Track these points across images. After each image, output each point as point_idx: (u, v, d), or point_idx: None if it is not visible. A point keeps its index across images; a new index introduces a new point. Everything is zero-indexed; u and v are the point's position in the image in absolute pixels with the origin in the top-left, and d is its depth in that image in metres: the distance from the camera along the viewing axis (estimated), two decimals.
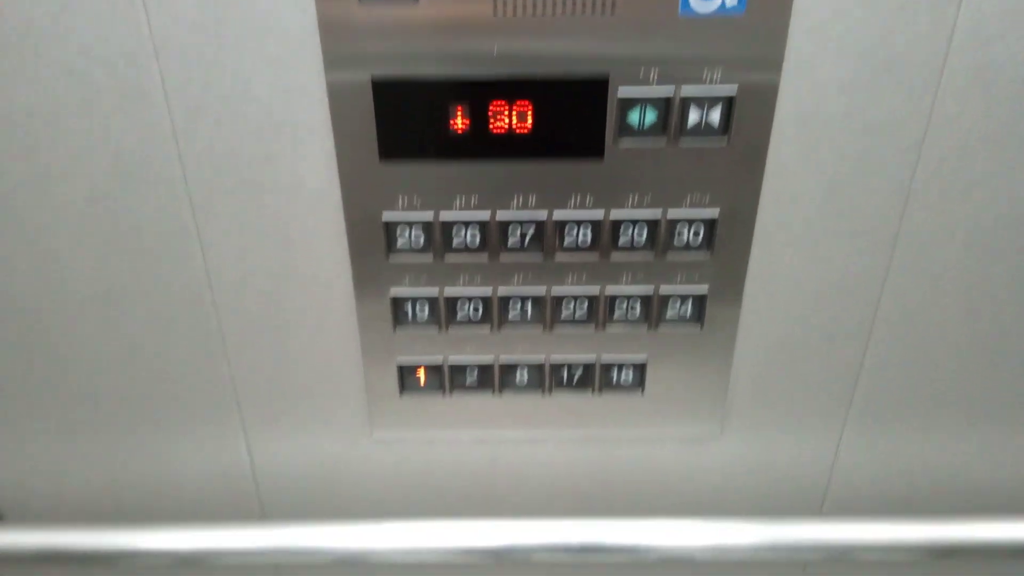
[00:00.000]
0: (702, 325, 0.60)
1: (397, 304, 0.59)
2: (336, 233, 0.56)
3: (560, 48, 0.48)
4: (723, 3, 0.46)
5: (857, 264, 0.57)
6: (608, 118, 0.50)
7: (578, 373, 0.63)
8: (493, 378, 0.63)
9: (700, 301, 0.59)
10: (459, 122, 0.51)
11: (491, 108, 0.50)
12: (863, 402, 0.65)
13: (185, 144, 0.52)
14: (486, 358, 0.62)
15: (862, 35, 0.48)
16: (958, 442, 0.68)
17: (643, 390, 0.64)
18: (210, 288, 0.58)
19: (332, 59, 0.48)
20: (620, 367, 0.63)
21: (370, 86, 0.49)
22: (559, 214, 0.54)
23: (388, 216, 0.54)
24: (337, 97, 0.50)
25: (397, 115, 0.50)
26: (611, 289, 0.58)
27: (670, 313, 0.60)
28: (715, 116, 0.50)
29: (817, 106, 0.50)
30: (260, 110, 0.50)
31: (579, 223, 0.55)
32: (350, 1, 0.46)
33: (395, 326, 0.60)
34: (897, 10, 0.47)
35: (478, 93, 0.49)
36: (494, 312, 0.59)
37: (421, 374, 0.63)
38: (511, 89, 0.49)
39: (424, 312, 0.60)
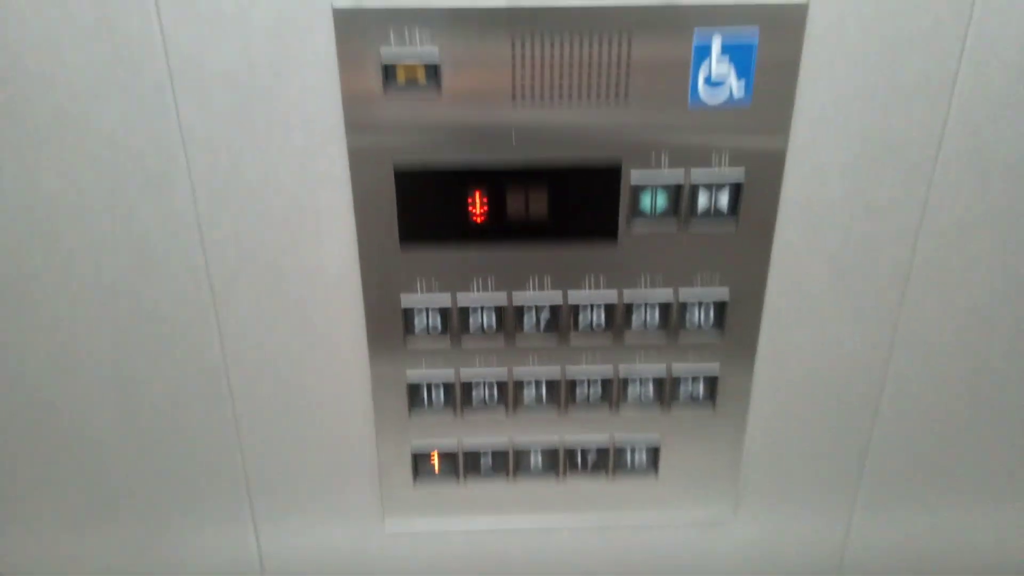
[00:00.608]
0: (714, 405, 0.60)
1: (413, 390, 0.59)
2: (355, 318, 0.56)
3: (575, 136, 0.50)
4: (731, 95, 0.49)
5: (862, 341, 0.59)
6: (621, 203, 0.52)
7: (592, 457, 0.63)
8: (507, 463, 0.62)
9: (712, 381, 0.60)
10: (477, 209, 0.52)
11: (508, 195, 0.52)
12: (872, 477, 0.65)
13: (208, 232, 0.52)
14: (500, 441, 0.61)
15: (861, 123, 0.50)
16: (968, 514, 0.68)
17: (657, 473, 0.63)
18: (227, 376, 0.58)
19: (356, 149, 0.50)
20: (634, 450, 0.63)
21: (392, 175, 0.51)
22: (574, 296, 0.55)
23: (406, 301, 0.55)
24: (360, 186, 0.51)
25: (417, 202, 0.52)
26: (624, 370, 0.59)
27: (683, 394, 0.60)
28: (723, 200, 0.52)
29: (820, 190, 0.53)
30: (285, 198, 0.51)
31: (593, 305, 0.56)
32: (375, 92, 0.48)
33: (410, 411, 0.60)
34: (894, 99, 0.50)
35: (496, 181, 0.51)
36: (509, 395, 0.59)
37: (435, 461, 0.62)
38: (528, 176, 0.51)
39: (439, 396, 0.60)
